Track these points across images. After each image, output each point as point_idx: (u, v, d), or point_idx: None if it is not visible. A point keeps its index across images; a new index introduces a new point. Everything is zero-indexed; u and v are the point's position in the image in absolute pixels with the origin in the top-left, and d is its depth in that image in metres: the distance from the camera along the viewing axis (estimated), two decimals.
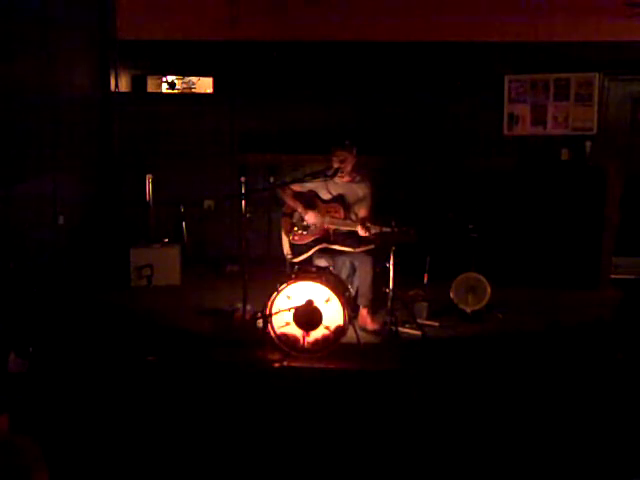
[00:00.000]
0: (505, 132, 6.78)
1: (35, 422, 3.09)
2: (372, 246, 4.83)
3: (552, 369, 4.11)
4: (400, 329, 4.70)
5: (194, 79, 6.93)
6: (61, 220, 5.71)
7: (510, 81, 6.71)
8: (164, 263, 6.07)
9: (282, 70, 6.86)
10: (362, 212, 4.96)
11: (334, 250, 4.91)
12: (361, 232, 4.72)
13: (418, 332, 4.71)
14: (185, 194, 6.77)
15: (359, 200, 4.99)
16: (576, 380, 3.91)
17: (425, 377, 4.00)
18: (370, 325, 4.84)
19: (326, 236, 4.89)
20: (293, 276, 4.41)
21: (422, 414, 3.52)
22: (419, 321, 4.86)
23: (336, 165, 4.89)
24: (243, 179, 4.66)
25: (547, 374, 4.02)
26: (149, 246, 6.22)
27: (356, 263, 4.90)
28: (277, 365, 4.19)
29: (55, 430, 3.16)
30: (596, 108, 6.62)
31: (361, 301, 4.90)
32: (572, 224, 6.01)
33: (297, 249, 4.94)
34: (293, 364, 4.21)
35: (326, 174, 4.87)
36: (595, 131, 6.63)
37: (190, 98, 6.92)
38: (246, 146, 6.82)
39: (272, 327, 4.34)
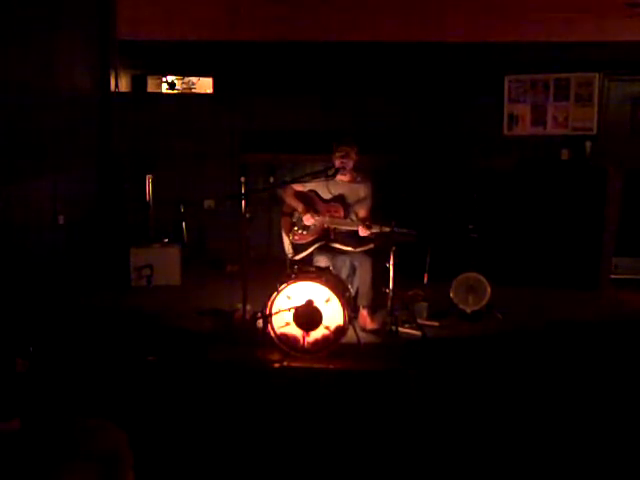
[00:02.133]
0: (505, 132, 6.79)
1: (35, 422, 3.09)
2: (372, 245, 4.83)
3: (552, 369, 4.12)
4: (400, 329, 4.70)
5: (194, 79, 6.94)
6: (61, 220, 5.70)
7: (510, 81, 6.71)
8: (164, 263, 6.06)
9: (282, 70, 6.86)
10: (362, 212, 4.96)
11: (334, 249, 4.91)
12: (362, 232, 4.72)
13: (418, 332, 4.71)
14: (185, 194, 6.78)
15: (359, 200, 5.00)
16: (576, 380, 3.92)
17: (425, 377, 4.00)
18: (370, 325, 4.84)
19: (326, 235, 4.90)
20: (293, 276, 4.41)
21: (422, 414, 3.52)
22: (419, 321, 4.87)
23: (338, 162, 4.89)
24: (243, 179, 4.66)
25: (547, 374, 4.02)
26: (149, 246, 6.20)
27: (356, 263, 4.90)
28: (277, 365, 4.19)
29: None
30: (596, 108, 6.62)
31: (361, 301, 4.89)
32: (572, 224, 6.00)
33: (298, 248, 4.94)
34: (293, 364, 4.20)
35: (327, 174, 4.88)
36: (595, 131, 6.63)
37: (190, 98, 6.93)
38: (246, 146, 6.82)
39: (272, 327, 4.33)
